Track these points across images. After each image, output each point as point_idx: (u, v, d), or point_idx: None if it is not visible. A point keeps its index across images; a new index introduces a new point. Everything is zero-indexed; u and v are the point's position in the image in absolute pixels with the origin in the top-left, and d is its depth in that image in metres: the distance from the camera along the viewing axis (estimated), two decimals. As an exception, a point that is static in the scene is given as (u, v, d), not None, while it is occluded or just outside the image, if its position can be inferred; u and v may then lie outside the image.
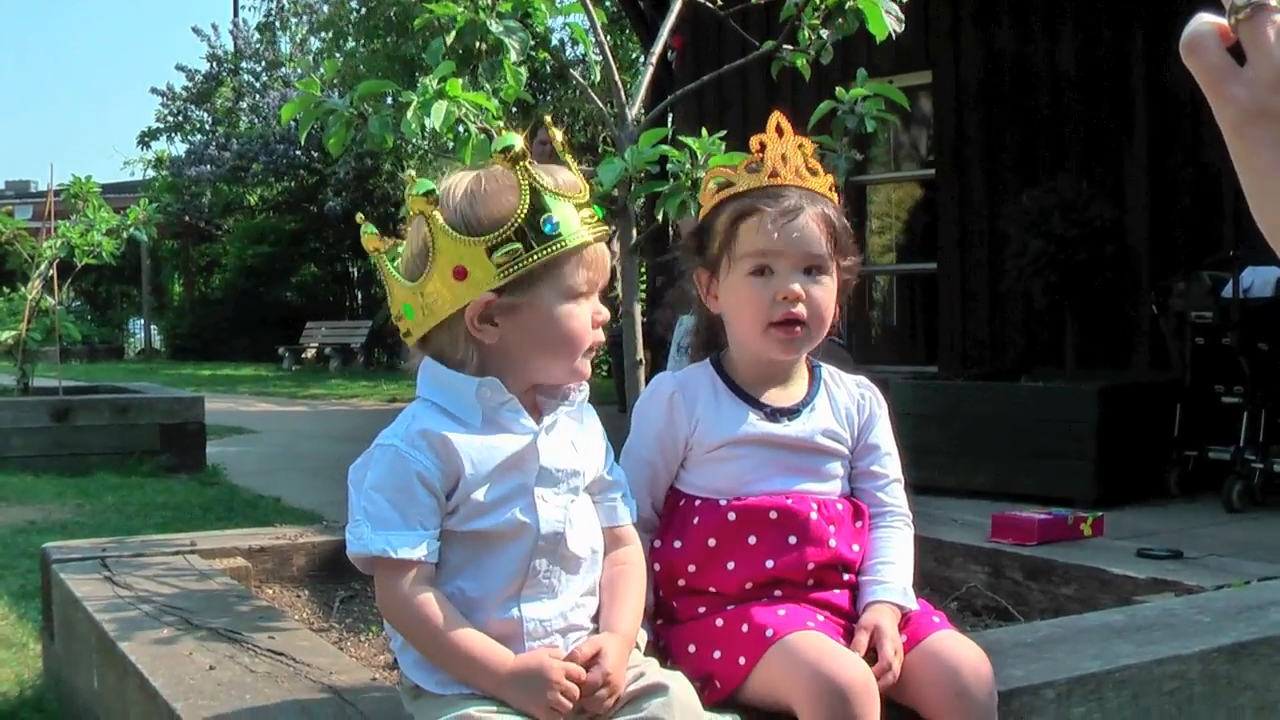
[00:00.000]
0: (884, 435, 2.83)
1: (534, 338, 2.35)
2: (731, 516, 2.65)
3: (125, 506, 8.86)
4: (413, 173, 2.41)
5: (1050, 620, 3.49)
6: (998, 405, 9.11)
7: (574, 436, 2.45)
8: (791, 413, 2.73)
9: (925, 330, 12.78)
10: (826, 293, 2.68)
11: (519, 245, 2.30)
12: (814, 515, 2.64)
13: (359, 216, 2.60)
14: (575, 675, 2.22)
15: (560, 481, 2.38)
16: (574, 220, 2.34)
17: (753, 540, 2.63)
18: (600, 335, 2.42)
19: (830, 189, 2.77)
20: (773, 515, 2.63)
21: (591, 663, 2.26)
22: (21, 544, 7.23)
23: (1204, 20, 1.19)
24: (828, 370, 2.83)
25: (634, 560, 2.52)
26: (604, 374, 16.08)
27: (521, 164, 2.33)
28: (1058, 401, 8.85)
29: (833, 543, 2.65)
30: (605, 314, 2.43)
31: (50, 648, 4.52)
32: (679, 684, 2.35)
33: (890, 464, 2.82)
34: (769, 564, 2.61)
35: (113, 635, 3.35)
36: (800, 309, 2.65)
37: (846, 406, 2.79)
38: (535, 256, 2.30)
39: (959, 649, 2.53)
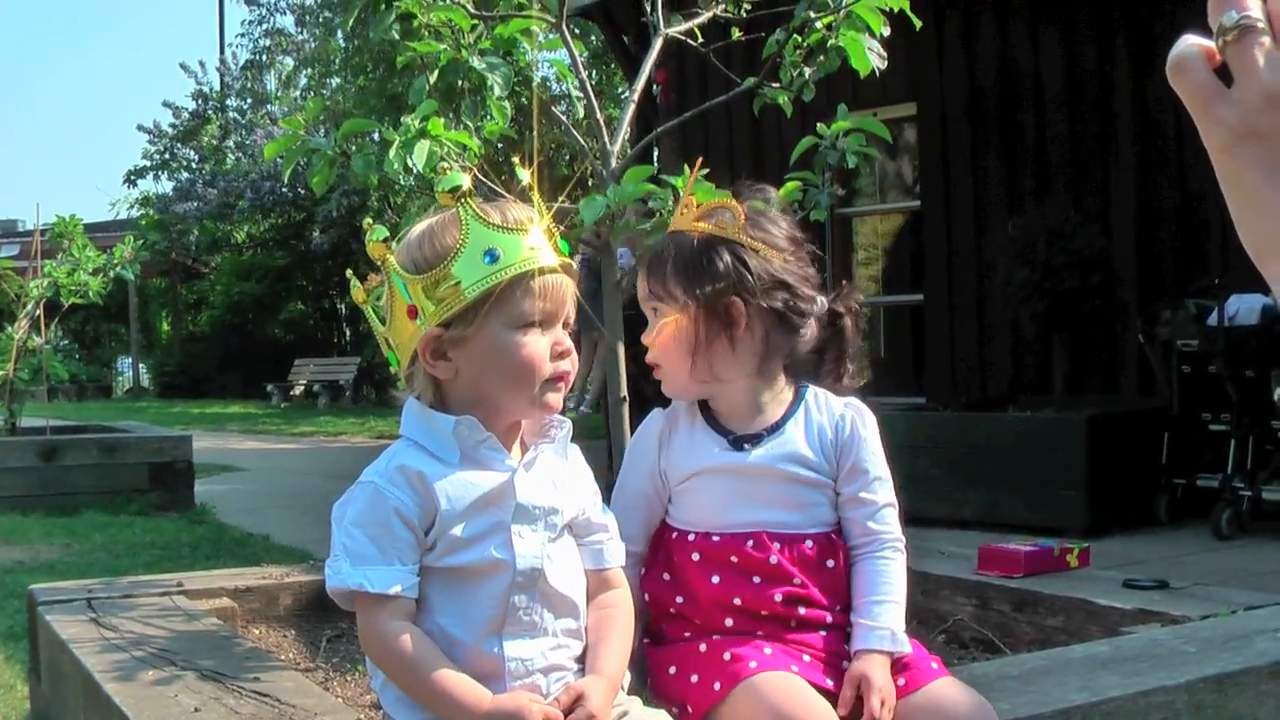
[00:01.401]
0: (871, 458, 2.73)
1: (486, 369, 2.37)
2: (695, 557, 2.63)
3: (114, 546, 8.84)
4: (370, 220, 2.45)
5: (1037, 652, 3.49)
6: (986, 435, 9.10)
7: (556, 475, 2.45)
8: (755, 439, 2.69)
9: (913, 360, 12.79)
10: (661, 330, 2.69)
11: (458, 279, 2.33)
12: (773, 559, 2.60)
13: (348, 272, 2.62)
14: (551, 717, 2.22)
15: (538, 518, 2.38)
16: (518, 252, 2.34)
17: (716, 580, 2.61)
18: (566, 367, 2.41)
19: (700, 219, 2.71)
20: (733, 559, 2.61)
21: (575, 705, 2.26)
22: (10, 584, 7.20)
23: (1190, 42, 1.20)
24: (814, 392, 2.76)
25: (621, 604, 2.51)
26: (570, 411, 16.07)
27: (463, 200, 2.36)
28: (1046, 430, 8.84)
29: (797, 580, 2.60)
30: (566, 345, 2.41)
31: (37, 689, 4.51)
32: (663, 723, 2.36)
33: (880, 489, 2.73)
34: (737, 600, 2.59)
35: (98, 677, 3.34)
36: (650, 355, 2.74)
37: (822, 428, 2.71)
38: (472, 289, 2.32)
39: (959, 698, 2.51)
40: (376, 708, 3.21)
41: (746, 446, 2.69)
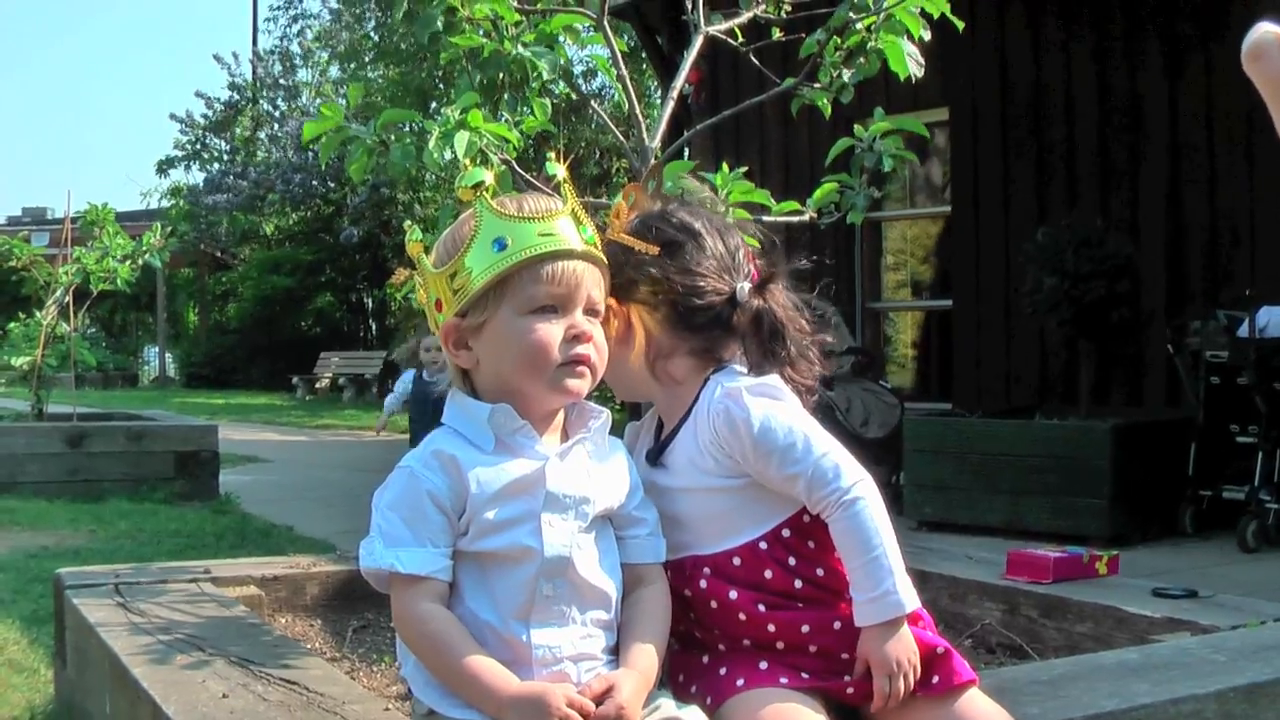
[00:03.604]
0: (769, 436, 2.52)
1: (500, 355, 2.41)
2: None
3: (138, 534, 8.86)
4: (409, 222, 2.51)
5: (1066, 658, 3.48)
6: (1012, 442, 9.10)
7: (591, 465, 2.46)
8: (663, 446, 2.65)
9: (940, 366, 12.78)
10: None
11: (470, 269, 2.39)
12: (703, 584, 2.56)
13: (407, 224, 2.63)
14: (580, 706, 2.22)
15: (569, 508, 2.40)
16: (527, 239, 2.39)
17: (692, 616, 2.59)
18: (582, 350, 2.42)
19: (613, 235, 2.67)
20: (686, 593, 2.58)
21: (605, 696, 2.26)
22: (34, 569, 7.22)
23: (1266, 29, 1.18)
24: (710, 387, 2.61)
25: (654, 599, 2.51)
26: (616, 407, 16.05)
27: (480, 194, 2.41)
28: (1072, 439, 8.84)
29: (733, 594, 2.53)
30: (582, 328, 2.42)
31: (62, 673, 4.51)
32: (695, 718, 2.35)
33: (799, 455, 2.50)
34: (715, 631, 2.57)
35: (126, 661, 3.34)
36: None
37: (701, 427, 2.59)
38: (480, 277, 2.38)
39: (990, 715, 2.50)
40: (403, 699, 3.22)
41: (659, 459, 2.64)
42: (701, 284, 2.62)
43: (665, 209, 2.75)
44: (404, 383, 9.66)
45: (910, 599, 2.48)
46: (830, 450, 2.52)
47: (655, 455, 2.65)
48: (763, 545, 2.56)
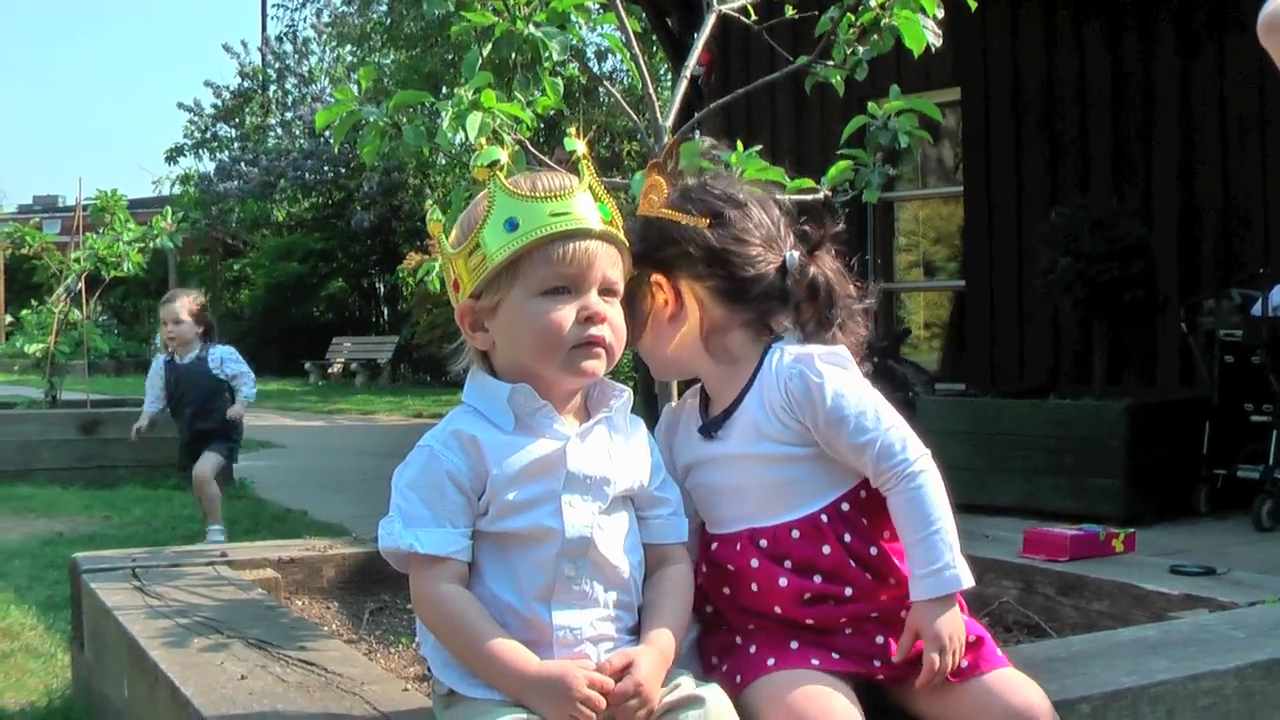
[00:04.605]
0: (841, 400, 2.52)
1: (514, 336, 2.40)
2: (704, 569, 2.60)
3: (152, 519, 8.89)
4: (431, 201, 2.51)
5: (1084, 635, 3.47)
6: (1026, 422, 9.07)
7: (612, 446, 2.46)
8: (721, 420, 2.63)
9: (953, 347, 12.74)
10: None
11: (485, 250, 2.37)
12: (754, 562, 2.54)
13: (429, 204, 2.62)
14: (600, 685, 2.23)
15: (589, 488, 2.39)
16: (538, 219, 2.37)
17: (726, 591, 2.58)
18: (603, 332, 2.41)
19: (643, 203, 2.72)
20: (730, 568, 2.57)
21: (622, 673, 2.26)
22: (49, 555, 7.24)
23: None
24: (775, 355, 2.61)
25: (677, 578, 2.50)
26: (632, 387, 16.03)
27: (494, 173, 2.40)
28: (1086, 419, 8.81)
29: (783, 581, 2.51)
30: (595, 309, 2.40)
31: (79, 657, 4.52)
32: (715, 696, 2.34)
33: (869, 423, 2.51)
34: (750, 608, 2.56)
35: (143, 644, 3.34)
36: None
37: (772, 394, 2.57)
38: (493, 258, 2.36)
39: (1019, 690, 2.50)
40: (422, 679, 3.22)
41: (716, 433, 2.62)
42: (754, 253, 2.63)
43: (703, 182, 2.74)
44: (154, 373, 8.83)
45: (966, 576, 2.51)
46: (896, 424, 2.54)
47: (711, 429, 2.64)
48: (824, 518, 2.56)
